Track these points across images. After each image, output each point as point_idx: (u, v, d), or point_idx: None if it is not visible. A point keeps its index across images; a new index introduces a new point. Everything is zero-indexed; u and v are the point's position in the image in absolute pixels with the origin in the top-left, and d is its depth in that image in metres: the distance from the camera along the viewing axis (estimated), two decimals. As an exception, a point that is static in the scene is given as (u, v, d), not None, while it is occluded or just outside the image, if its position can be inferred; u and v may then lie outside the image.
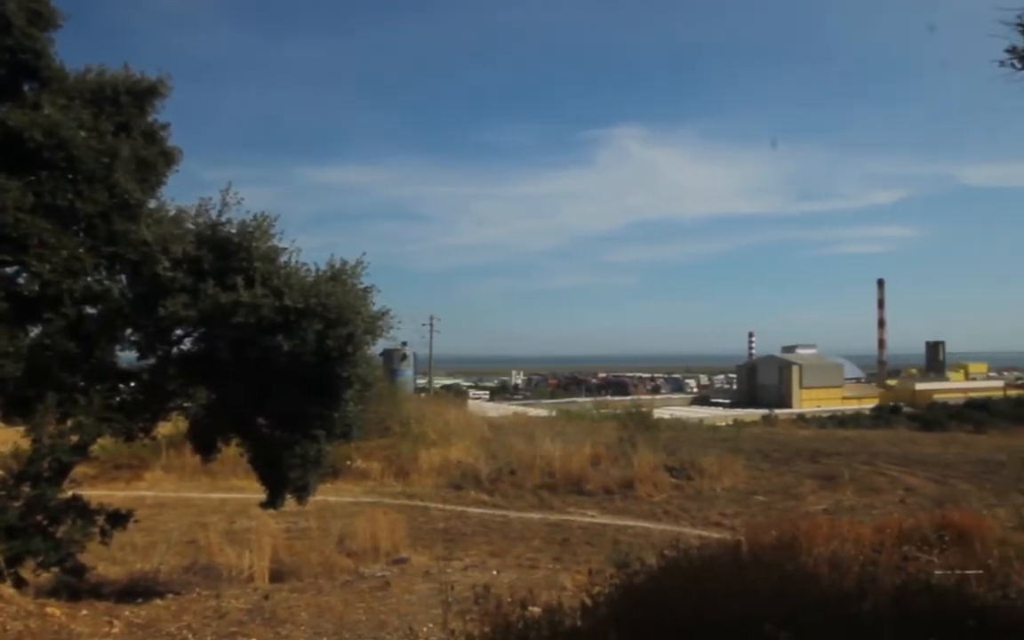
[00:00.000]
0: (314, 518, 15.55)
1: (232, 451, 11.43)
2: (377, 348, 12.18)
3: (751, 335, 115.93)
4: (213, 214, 9.57)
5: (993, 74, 5.18)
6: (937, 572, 6.58)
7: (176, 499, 20.07)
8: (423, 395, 50.78)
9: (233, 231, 9.44)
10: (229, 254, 9.30)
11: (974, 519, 10.76)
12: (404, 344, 56.28)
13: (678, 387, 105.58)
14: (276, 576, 11.96)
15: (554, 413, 52.18)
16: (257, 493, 11.13)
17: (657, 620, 5.08)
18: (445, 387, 75.09)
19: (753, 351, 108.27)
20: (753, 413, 63.46)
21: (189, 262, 9.16)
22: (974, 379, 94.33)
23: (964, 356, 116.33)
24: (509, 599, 5.71)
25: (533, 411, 55.51)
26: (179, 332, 9.75)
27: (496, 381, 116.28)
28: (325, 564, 12.65)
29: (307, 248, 10.58)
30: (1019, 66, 4.99)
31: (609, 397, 67.95)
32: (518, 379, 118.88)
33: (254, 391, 9.62)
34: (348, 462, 23.53)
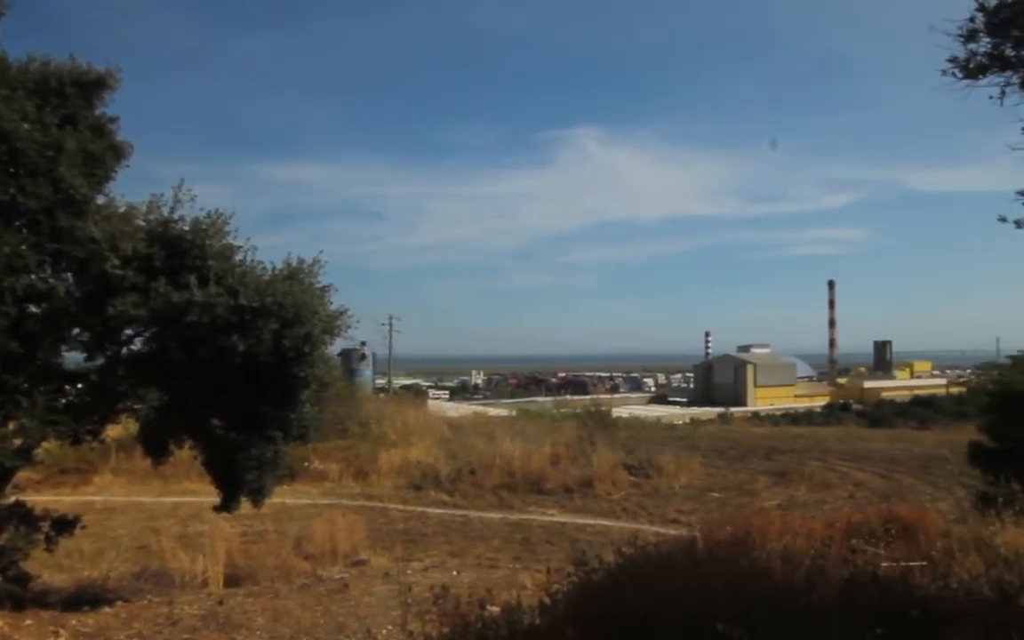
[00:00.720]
0: (271, 521, 15.29)
1: (185, 454, 11.18)
2: (335, 348, 12.06)
3: (707, 335, 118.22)
4: (165, 211, 9.34)
5: (936, 83, 5.39)
6: (883, 564, 6.80)
7: (126, 504, 19.52)
8: (382, 395, 50.33)
9: (186, 228, 9.22)
10: (182, 252, 9.09)
11: (918, 513, 11.13)
12: (363, 344, 55.72)
13: (636, 386, 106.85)
14: (231, 581, 11.74)
15: (514, 413, 52.29)
16: (211, 496, 10.90)
17: (614, 617, 5.14)
18: (405, 387, 74.54)
19: (709, 350, 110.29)
20: (709, 411, 64.64)
21: (140, 260, 8.92)
22: (919, 377, 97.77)
23: (910, 355, 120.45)
24: (468, 599, 5.72)
25: (493, 411, 55.54)
26: (129, 332, 9.48)
27: (456, 381, 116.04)
28: (282, 567, 12.46)
29: (264, 246, 10.41)
30: (960, 76, 5.20)
31: (569, 396, 68.48)
32: (478, 379, 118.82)
33: (208, 392, 9.42)
34: (306, 463, 23.21)
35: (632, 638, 4.91)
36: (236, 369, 9.00)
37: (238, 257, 9.54)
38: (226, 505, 10.46)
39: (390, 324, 72.07)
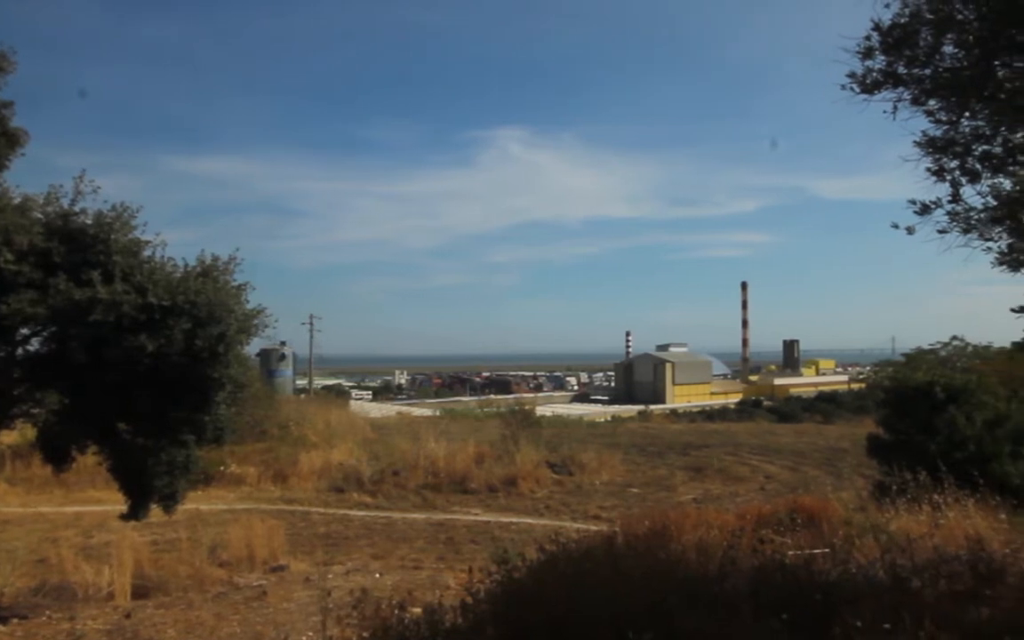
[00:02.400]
0: (183, 528, 14.66)
1: (89, 460, 10.61)
2: (253, 348, 11.69)
3: (628, 334, 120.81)
4: (65, 203, 8.84)
5: (837, 96, 5.72)
6: (790, 553, 7.15)
7: (23, 514, 18.30)
8: (303, 396, 49.09)
9: (88, 222, 8.75)
10: (84, 247, 8.62)
11: (822, 503, 11.76)
12: (283, 344, 54.29)
13: (559, 385, 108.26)
14: (140, 592, 11.19)
15: (438, 412, 52.01)
16: (119, 504, 10.38)
17: (536, 614, 5.20)
18: (326, 388, 72.94)
19: (630, 350, 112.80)
20: (630, 409, 66.11)
21: (37, 255, 8.40)
22: (824, 374, 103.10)
23: (816, 353, 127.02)
24: (389, 602, 5.67)
25: (417, 411, 55.09)
26: (25, 331, 8.93)
27: (379, 381, 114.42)
28: (195, 576, 11.97)
29: (176, 242, 10.03)
30: (858, 90, 5.53)
31: (493, 396, 68.59)
32: (402, 379, 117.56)
33: (115, 395, 8.96)
34: (221, 467, 22.38)
35: (553, 634, 4.99)
36: (145, 370, 8.61)
37: (147, 253, 9.15)
38: (134, 513, 9.99)
39: (311, 323, 70.43)
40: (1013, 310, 5.80)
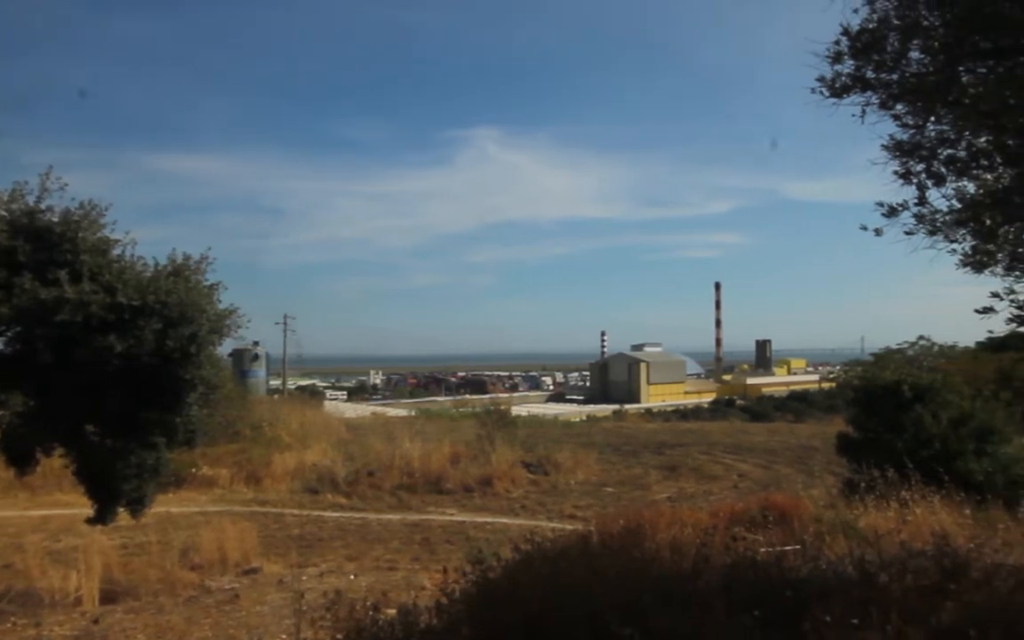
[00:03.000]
0: (153, 531, 14.42)
1: (56, 463, 10.36)
2: (225, 348, 11.55)
3: (603, 334, 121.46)
4: (31, 200, 8.62)
5: (807, 99, 5.81)
6: (762, 550, 7.25)
7: (-14, 519, 17.88)
8: (276, 397, 48.59)
9: (55, 220, 8.56)
10: (51, 245, 8.43)
11: (793, 500, 11.94)
12: (256, 344, 53.68)
13: (535, 385, 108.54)
14: (108, 597, 10.99)
15: (414, 412, 51.80)
16: (86, 508, 10.17)
17: (511, 613, 5.21)
18: (300, 388, 72.27)
19: (605, 349, 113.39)
20: (605, 408, 66.47)
21: (1, 253, 8.21)
22: (795, 374, 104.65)
23: (787, 353, 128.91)
24: (364, 603, 5.64)
25: (392, 411, 54.82)
26: (-11, 331, 8.71)
27: (354, 381, 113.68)
28: (166, 580, 11.79)
29: (147, 241, 9.86)
30: (827, 94, 5.62)
31: (468, 395, 68.57)
32: (377, 379, 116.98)
33: (82, 396, 8.78)
34: (193, 470, 22.06)
35: (528, 633, 5.00)
36: (114, 371, 8.45)
37: (116, 252, 8.96)
38: (102, 517, 9.79)
39: (285, 323, 69.71)
40: (977, 311, 5.93)
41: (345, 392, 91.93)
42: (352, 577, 12.12)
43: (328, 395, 74.06)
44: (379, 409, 57.26)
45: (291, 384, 72.73)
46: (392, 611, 5.72)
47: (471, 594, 5.63)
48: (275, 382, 66.51)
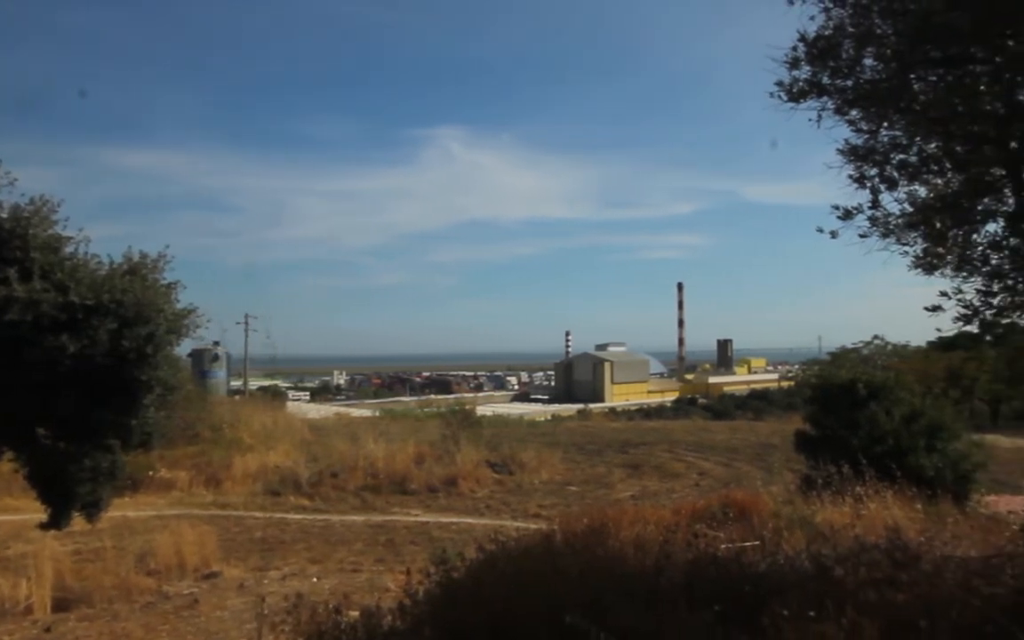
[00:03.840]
0: (109, 537, 14.06)
1: (5, 466, 10.05)
2: (184, 348, 11.32)
3: (568, 334, 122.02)
4: (-23, 196, 8.34)
5: (766, 104, 5.93)
6: (722, 546, 7.38)
7: (-70, 526, 17.22)
8: (237, 398, 47.74)
9: (4, 216, 8.29)
10: None
11: (753, 497, 12.15)
12: (216, 344, 52.66)
13: (500, 385, 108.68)
14: (61, 605, 10.67)
15: (378, 413, 51.40)
16: (39, 513, 9.87)
17: (475, 613, 5.22)
18: (262, 389, 71.17)
19: (570, 349, 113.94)
20: (570, 408, 66.80)
21: (-54, 251, 7.93)
22: (756, 373, 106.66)
23: (748, 352, 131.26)
24: (327, 605, 5.58)
25: (356, 411, 54.29)
26: (-67, 332, 8.39)
27: (318, 381, 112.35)
28: (122, 586, 11.49)
29: (102, 238, 9.60)
30: (785, 98, 5.74)
31: (433, 396, 68.38)
32: (340, 379, 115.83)
33: (34, 397, 8.52)
34: (150, 473, 21.55)
35: (492, 633, 5.01)
36: (67, 372, 8.22)
37: (69, 249, 8.71)
38: (55, 522, 9.51)
39: (246, 323, 68.54)
40: (927, 309, 6.11)
41: (308, 393, 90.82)
42: (315, 580, 11.98)
43: (291, 396, 73.07)
44: (343, 410, 56.64)
45: (253, 385, 71.52)
46: (355, 613, 5.68)
47: (435, 595, 5.62)
48: (236, 383, 65.36)
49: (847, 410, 14.76)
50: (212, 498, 21.19)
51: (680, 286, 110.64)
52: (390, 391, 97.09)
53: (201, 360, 50.89)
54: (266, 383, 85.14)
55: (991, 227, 6.07)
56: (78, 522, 9.80)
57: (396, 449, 24.57)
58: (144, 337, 8.45)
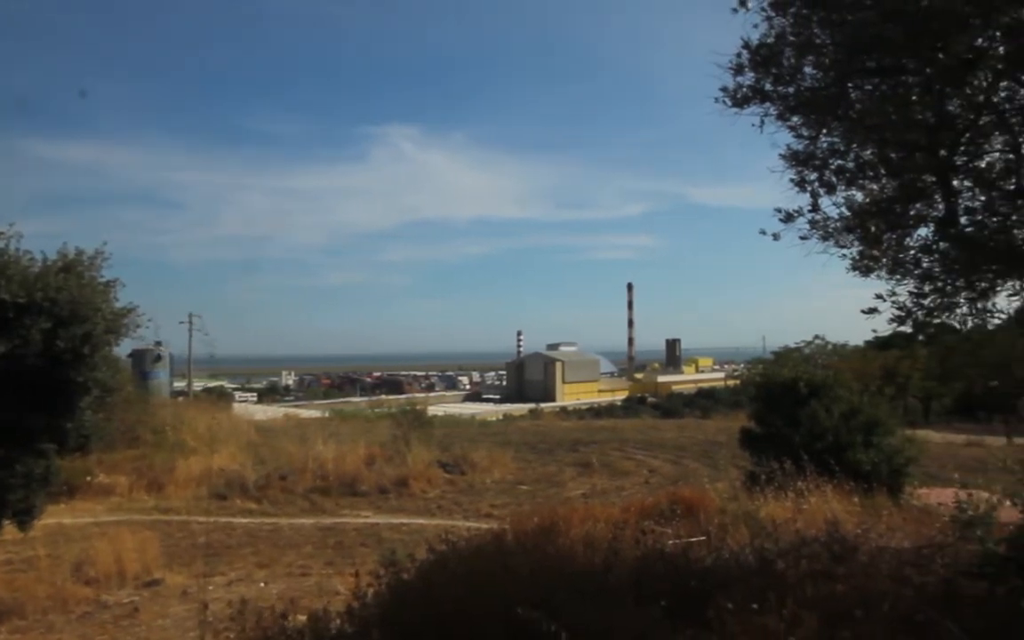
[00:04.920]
0: (42, 545, 13.48)
1: (-72, 474, 9.54)
2: (124, 349, 10.96)
3: (519, 333, 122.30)
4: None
5: (711, 109, 6.06)
6: (670, 542, 7.52)
7: None
8: (181, 399, 46.39)
9: (-74, 211, 7.91)
10: (-77, 239, 7.79)
11: (699, 494, 12.39)
12: (158, 344, 51.02)
13: (452, 385, 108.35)
14: (-10, 617, 10.22)
15: (327, 414, 50.61)
16: (-36, 522, 9.43)
17: (424, 614, 5.19)
18: (207, 390, 69.24)
19: (521, 349, 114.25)
20: (521, 407, 67.07)
21: None
22: (703, 372, 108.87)
23: (696, 351, 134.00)
24: (273, 610, 5.48)
25: (305, 412, 53.35)
26: None
27: (265, 382, 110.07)
28: (57, 596, 11.04)
29: (35, 234, 9.22)
30: (729, 103, 5.88)
31: (384, 396, 67.69)
32: (289, 380, 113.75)
33: (-41, 401, 8.15)
34: (88, 478, 20.74)
35: (441, 633, 4.99)
36: (-3, 374, 7.88)
37: (-1, 246, 8.36)
38: (-16, 531, 9.12)
39: (190, 322, 66.62)
40: (863, 311, 6.34)
41: (255, 394, 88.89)
42: (262, 585, 11.74)
43: (237, 397, 71.40)
44: (291, 411, 55.59)
45: (197, 386, 69.56)
46: (302, 618, 5.58)
47: (384, 597, 5.58)
48: (180, 384, 63.49)
49: (789, 408, 15.16)
50: (154, 503, 20.54)
51: (630, 286, 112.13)
52: (340, 392, 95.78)
53: (142, 361, 49.17)
54: (211, 384, 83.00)
55: (922, 232, 6.35)
56: (9, 530, 9.40)
57: (346, 450, 24.24)
58: (80, 337, 8.16)
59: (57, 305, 7.97)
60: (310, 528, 17.53)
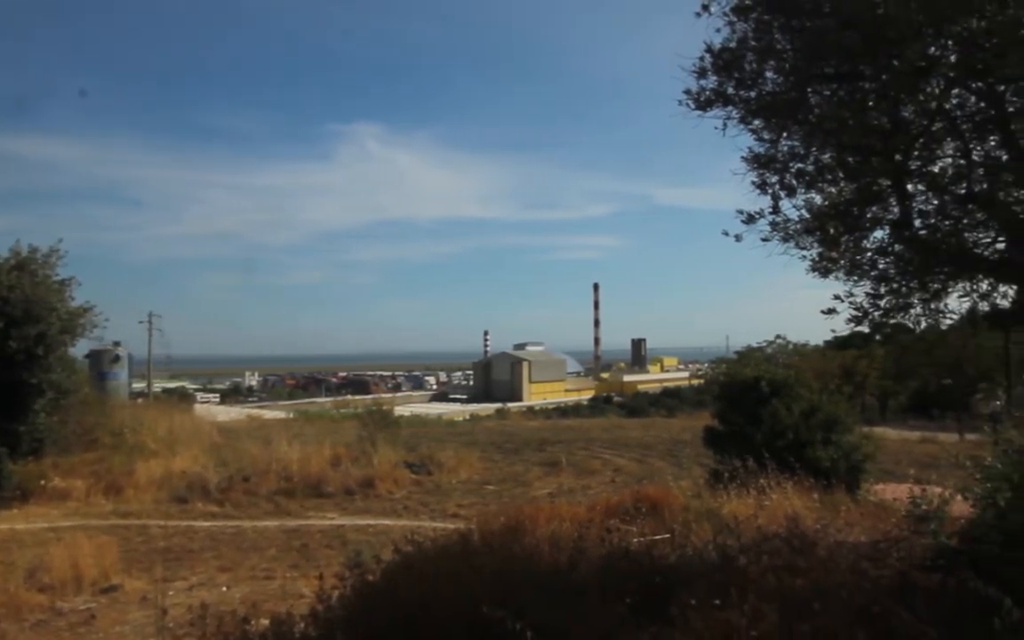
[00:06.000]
0: (-7, 551, 13.11)
1: None
2: (81, 349, 10.70)
3: (486, 333, 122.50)
4: None
5: (675, 111, 6.14)
6: (635, 540, 7.60)
7: None
8: (141, 400, 45.36)
9: None
10: None
11: (664, 492, 12.55)
12: (117, 344, 49.82)
13: (418, 384, 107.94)
14: (-62, 628, 9.88)
15: (292, 414, 49.95)
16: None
17: (390, 616, 5.17)
18: (168, 391, 67.80)
19: (488, 349, 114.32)
20: (488, 407, 67.08)
21: None
22: (668, 371, 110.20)
23: (661, 351, 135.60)
24: (235, 615, 5.39)
25: (269, 413, 52.57)
26: None
27: (228, 383, 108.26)
28: (10, 604, 10.70)
29: (-16, 232, 8.94)
30: (692, 106, 5.97)
31: (350, 396, 67.10)
32: (253, 380, 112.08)
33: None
34: (43, 482, 20.05)
35: (406, 634, 4.97)
36: (-55, 376, 7.63)
37: (-52, 243, 8.09)
38: (-69, 538, 8.81)
39: (149, 322, 65.21)
40: (822, 311, 6.49)
41: (218, 394, 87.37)
42: (224, 589, 11.54)
43: (199, 398, 70.12)
44: (255, 411, 54.74)
45: (157, 387, 68.08)
46: (265, 621, 5.51)
47: (349, 599, 5.53)
48: (139, 385, 62.08)
49: (751, 406, 15.42)
50: (112, 507, 20.03)
51: (596, 286, 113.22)
52: (305, 392, 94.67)
53: (100, 361, 47.90)
54: (172, 385, 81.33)
55: (878, 234, 6.52)
56: (-42, 537, 9.09)
57: (311, 451, 23.94)
58: (34, 337, 7.96)
59: (9, 304, 7.77)
60: (274, 531, 17.28)
